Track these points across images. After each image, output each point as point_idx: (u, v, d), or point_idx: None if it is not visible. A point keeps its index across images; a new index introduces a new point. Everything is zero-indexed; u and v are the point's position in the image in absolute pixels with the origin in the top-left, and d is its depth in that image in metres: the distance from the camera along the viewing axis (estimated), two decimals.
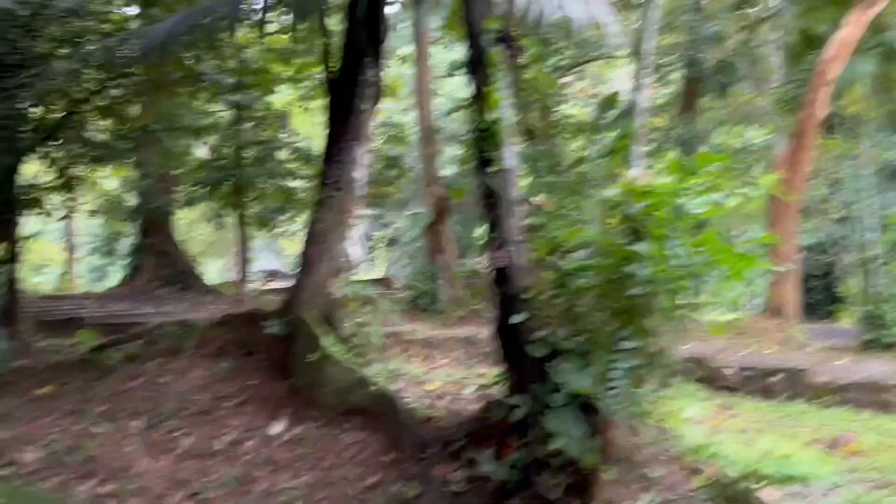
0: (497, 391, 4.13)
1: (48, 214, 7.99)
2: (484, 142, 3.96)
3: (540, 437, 3.55)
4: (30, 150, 6.81)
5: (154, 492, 4.37)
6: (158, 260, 16.12)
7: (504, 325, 3.96)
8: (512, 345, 3.93)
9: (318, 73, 16.29)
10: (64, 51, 6.94)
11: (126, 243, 21.84)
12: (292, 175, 16.79)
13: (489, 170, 3.96)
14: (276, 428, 4.90)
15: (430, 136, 12.80)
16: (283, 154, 16.84)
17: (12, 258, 7.15)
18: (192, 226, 25.44)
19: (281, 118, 16.69)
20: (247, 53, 13.50)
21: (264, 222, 17.18)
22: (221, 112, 15.62)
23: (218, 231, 32.33)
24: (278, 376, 5.50)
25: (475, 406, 4.62)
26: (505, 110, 3.93)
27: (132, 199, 17.04)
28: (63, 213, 8.90)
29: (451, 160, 18.03)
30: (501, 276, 3.97)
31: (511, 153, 4.01)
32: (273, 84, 15.51)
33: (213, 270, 30.49)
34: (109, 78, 7.15)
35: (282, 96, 17.51)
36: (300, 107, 17.63)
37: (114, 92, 7.38)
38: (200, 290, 15.58)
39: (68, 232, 21.61)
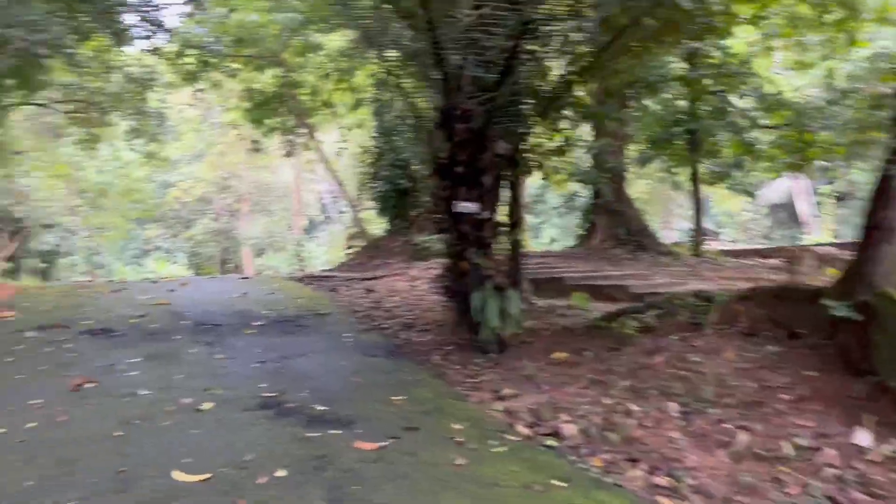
0: None
1: (545, 178, 8.10)
2: None
3: None
4: (537, 117, 6.82)
5: (717, 495, 3.75)
6: (612, 220, 16.09)
7: None
8: None
9: (788, 5, 14.26)
10: (564, 10, 6.75)
11: (567, 204, 22.68)
12: (754, 126, 15.13)
13: None
14: (864, 438, 3.88)
15: None
16: (742, 103, 15.29)
17: (517, 221, 7.35)
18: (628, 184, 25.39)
19: (741, 64, 15.03)
20: None
21: (720, 178, 15.90)
22: (675, 63, 14.69)
23: (653, 188, 31.87)
24: (847, 370, 4.45)
25: None
26: None
27: (587, 160, 17.33)
28: (556, 176, 9.08)
29: None
30: None
31: None
32: (732, 27, 13.96)
33: None
34: (609, 37, 6.73)
35: (738, 40, 15.90)
36: (764, 49, 15.82)
37: (609, 50, 6.98)
38: (656, 251, 15.09)
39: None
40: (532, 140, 7.62)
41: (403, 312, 9.43)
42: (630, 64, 7.71)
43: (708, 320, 5.45)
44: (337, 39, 23.14)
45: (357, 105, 23.52)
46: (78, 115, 20.53)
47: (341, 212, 38.35)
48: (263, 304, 9.75)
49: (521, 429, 4.74)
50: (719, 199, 33.00)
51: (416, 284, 12.97)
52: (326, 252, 36.87)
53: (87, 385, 5.49)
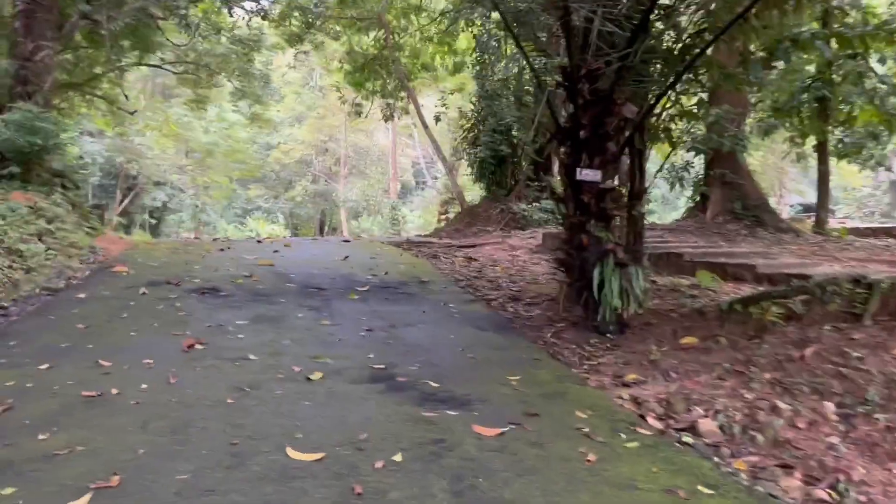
0: None
1: (673, 146, 7.48)
2: None
3: None
4: (671, 79, 6.19)
5: None
6: (726, 192, 15.07)
7: None
8: None
9: None
10: None
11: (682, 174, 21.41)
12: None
13: None
14: None
15: None
16: (883, 68, 13.86)
17: (640, 192, 6.79)
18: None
19: (883, 24, 13.55)
20: None
21: (853, 149, 14.56)
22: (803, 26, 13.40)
23: (762, 160, 29.97)
24: None
25: None
26: None
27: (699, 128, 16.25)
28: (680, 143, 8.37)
29: None
30: None
31: None
32: None
33: None
34: None
35: None
36: None
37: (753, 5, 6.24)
38: (776, 227, 14.04)
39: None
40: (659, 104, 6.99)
41: (507, 283, 9.07)
42: (775, 20, 6.91)
43: (869, 310, 4.81)
44: (439, 0, 22.73)
45: (458, 69, 23.10)
46: (188, 75, 21.07)
47: (435, 177, 38.26)
48: (366, 269, 9.62)
49: (652, 421, 4.31)
50: (838, 173, 30.77)
51: (516, 254, 12.59)
52: (420, 217, 36.95)
53: (197, 346, 5.43)
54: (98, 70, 18.40)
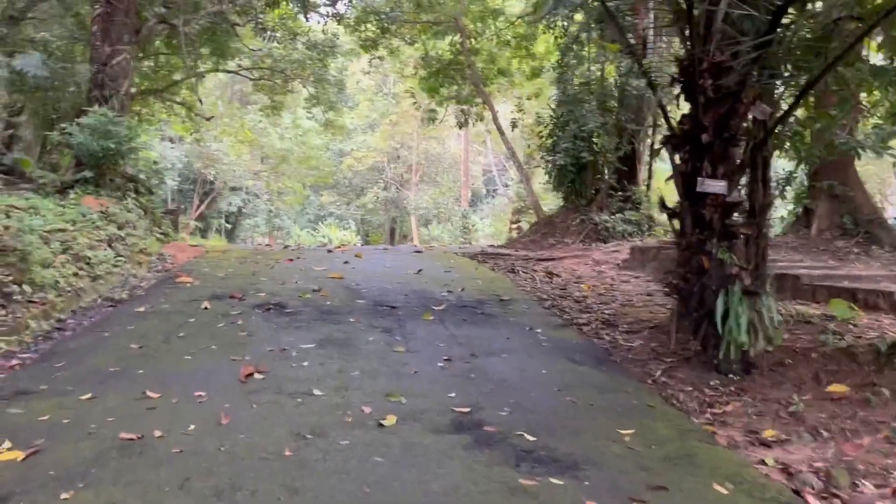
0: None
1: (805, 155, 6.48)
2: None
3: None
4: (817, 76, 5.20)
5: None
6: (834, 205, 13.68)
7: None
8: None
9: None
10: None
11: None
12: None
13: None
14: None
15: None
16: None
17: (764, 205, 5.81)
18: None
19: None
20: None
21: None
22: None
23: (863, 170, 27.90)
24: None
25: None
26: None
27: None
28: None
29: None
30: None
31: None
32: None
33: None
34: None
35: None
36: None
37: None
38: (893, 246, 12.58)
39: None
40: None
41: (597, 305, 8.17)
42: None
43: None
44: (517, 4, 21.95)
45: (535, 73, 22.25)
46: (264, 82, 20.95)
47: (506, 185, 37.39)
48: (441, 284, 8.89)
49: (812, 501, 3.39)
50: None
51: (601, 270, 11.64)
52: (490, 225, 36.16)
53: (255, 375, 4.80)
54: (177, 77, 18.43)
